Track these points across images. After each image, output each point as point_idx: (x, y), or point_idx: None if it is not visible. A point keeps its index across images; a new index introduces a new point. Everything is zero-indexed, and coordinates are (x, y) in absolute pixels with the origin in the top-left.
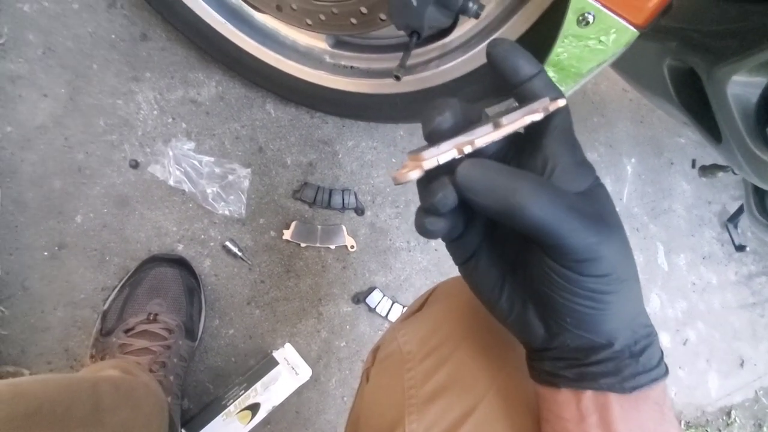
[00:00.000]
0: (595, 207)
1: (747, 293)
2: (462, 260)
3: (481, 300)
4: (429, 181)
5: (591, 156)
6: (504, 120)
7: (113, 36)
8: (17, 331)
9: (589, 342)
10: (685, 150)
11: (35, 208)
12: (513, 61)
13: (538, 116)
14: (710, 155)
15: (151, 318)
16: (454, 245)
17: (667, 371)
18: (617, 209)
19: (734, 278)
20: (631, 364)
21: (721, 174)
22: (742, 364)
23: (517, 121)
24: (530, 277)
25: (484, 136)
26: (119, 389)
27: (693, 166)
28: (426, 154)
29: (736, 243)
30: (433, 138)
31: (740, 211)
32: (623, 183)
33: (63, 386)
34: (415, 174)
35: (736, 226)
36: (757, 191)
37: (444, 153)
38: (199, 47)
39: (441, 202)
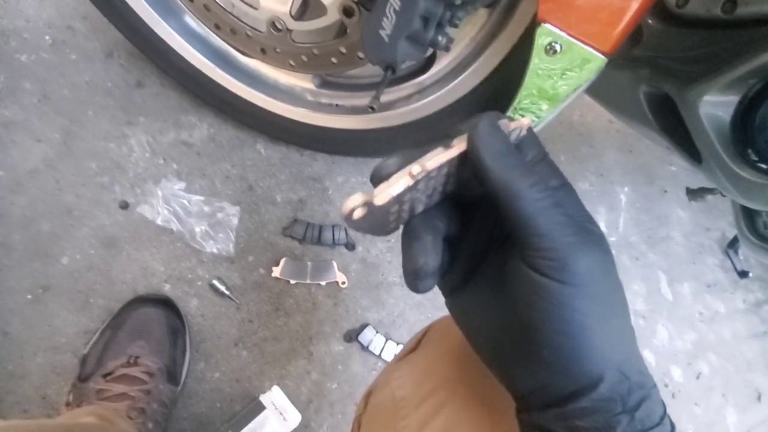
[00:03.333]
0: (574, 208)
1: (757, 321)
2: (448, 292)
3: (465, 336)
4: (410, 239)
5: (582, 186)
6: (455, 141)
7: (109, 84)
8: None
9: (571, 382)
10: (678, 177)
11: (21, 250)
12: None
13: None
14: (702, 181)
15: (132, 361)
16: (441, 279)
17: (673, 430)
18: (613, 238)
19: (742, 306)
20: (624, 419)
21: (710, 197)
22: (759, 398)
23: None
24: (511, 304)
25: (435, 158)
26: None
27: (687, 193)
28: (376, 190)
29: (738, 269)
30: (379, 180)
31: None
32: (618, 212)
33: None
34: (360, 212)
35: (736, 252)
36: (746, 212)
37: (395, 184)
38: (192, 92)
39: (423, 269)
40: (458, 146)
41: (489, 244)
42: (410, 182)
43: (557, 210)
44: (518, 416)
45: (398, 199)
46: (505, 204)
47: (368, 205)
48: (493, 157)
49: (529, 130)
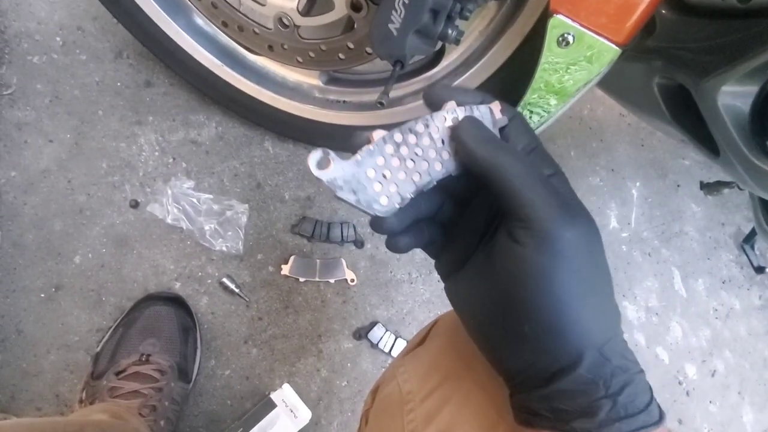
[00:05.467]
0: (566, 192)
1: None
2: (445, 275)
3: (460, 320)
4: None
5: (593, 181)
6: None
7: (119, 83)
8: (8, 377)
9: (551, 360)
10: (691, 171)
11: (34, 250)
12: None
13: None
14: (717, 175)
15: (144, 359)
16: (438, 263)
17: (661, 419)
18: (625, 234)
19: (758, 303)
20: (606, 404)
21: (726, 191)
22: None
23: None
24: (497, 279)
25: (406, 122)
26: None
27: (701, 187)
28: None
29: (755, 265)
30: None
31: (755, 231)
32: (630, 207)
33: (47, 430)
34: (327, 165)
35: (752, 247)
36: (765, 204)
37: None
38: (200, 90)
39: (385, 220)
40: (439, 113)
41: (485, 228)
42: (374, 142)
43: (544, 184)
44: (510, 401)
45: (371, 161)
46: (493, 182)
47: (333, 161)
48: (476, 142)
49: (519, 119)
